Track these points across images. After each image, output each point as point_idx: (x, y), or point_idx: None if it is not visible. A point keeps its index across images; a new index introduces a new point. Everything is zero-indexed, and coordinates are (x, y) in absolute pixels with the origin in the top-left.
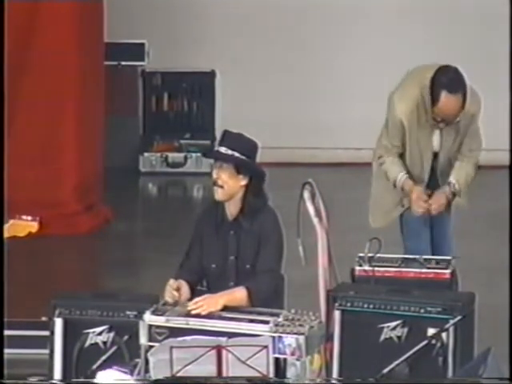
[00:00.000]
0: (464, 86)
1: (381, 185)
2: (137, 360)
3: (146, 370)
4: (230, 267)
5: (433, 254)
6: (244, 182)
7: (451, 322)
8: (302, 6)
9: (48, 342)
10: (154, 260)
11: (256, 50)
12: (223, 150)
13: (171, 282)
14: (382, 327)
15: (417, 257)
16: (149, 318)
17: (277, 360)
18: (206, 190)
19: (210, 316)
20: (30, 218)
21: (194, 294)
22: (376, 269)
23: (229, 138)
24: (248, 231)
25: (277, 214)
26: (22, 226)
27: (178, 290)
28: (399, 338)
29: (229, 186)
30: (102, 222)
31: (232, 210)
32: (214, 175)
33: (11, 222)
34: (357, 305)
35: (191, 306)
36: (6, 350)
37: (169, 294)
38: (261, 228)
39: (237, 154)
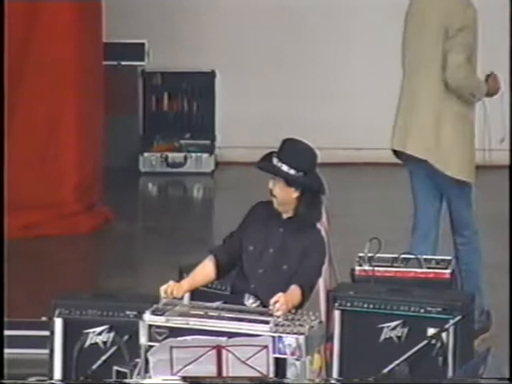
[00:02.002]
0: None
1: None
2: (137, 360)
3: (146, 370)
4: (267, 257)
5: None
6: (296, 194)
7: (451, 321)
8: (303, 5)
9: (48, 341)
10: (154, 260)
11: (256, 50)
12: (275, 161)
13: (171, 283)
14: (382, 327)
15: (417, 257)
16: (149, 317)
17: (277, 360)
18: (205, 190)
19: (209, 316)
20: None
21: (220, 275)
22: (376, 269)
23: (284, 150)
24: (296, 236)
25: (324, 236)
26: None
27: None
28: (399, 338)
29: (281, 196)
30: (102, 222)
31: (285, 215)
32: (270, 185)
33: None
34: (357, 305)
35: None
36: (6, 350)
37: (164, 295)
38: (309, 241)
39: (285, 168)
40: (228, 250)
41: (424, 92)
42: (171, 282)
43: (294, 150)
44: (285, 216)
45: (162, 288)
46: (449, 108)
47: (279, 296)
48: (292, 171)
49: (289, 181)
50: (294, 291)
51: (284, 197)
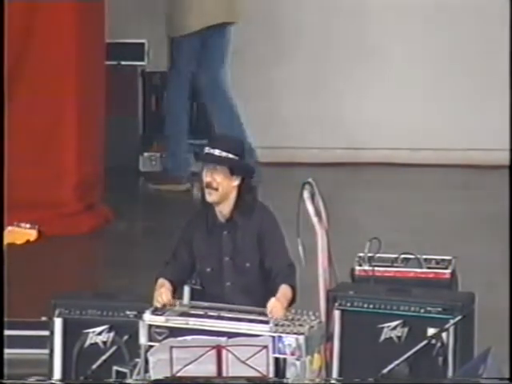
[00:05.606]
0: None
1: None
2: (137, 360)
3: (146, 370)
4: (226, 268)
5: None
6: (237, 182)
7: (451, 321)
8: (303, 4)
9: (48, 341)
10: (154, 260)
11: (256, 50)
12: (217, 152)
13: (163, 289)
14: (382, 327)
15: (417, 256)
16: (149, 317)
17: (277, 360)
18: None
19: (209, 316)
20: (28, 225)
21: (176, 293)
22: (376, 269)
23: (220, 140)
24: (245, 229)
25: (270, 209)
26: (20, 233)
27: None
28: (399, 338)
29: (223, 187)
30: (102, 222)
31: (225, 211)
32: (208, 178)
33: (9, 228)
34: (357, 305)
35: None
36: (6, 350)
37: (161, 300)
38: (260, 226)
39: (231, 156)
40: (176, 271)
41: None
42: (162, 290)
43: (229, 139)
44: (223, 219)
45: (158, 299)
46: None
47: (272, 304)
48: (236, 158)
49: (233, 168)
50: (284, 289)
51: (226, 186)
